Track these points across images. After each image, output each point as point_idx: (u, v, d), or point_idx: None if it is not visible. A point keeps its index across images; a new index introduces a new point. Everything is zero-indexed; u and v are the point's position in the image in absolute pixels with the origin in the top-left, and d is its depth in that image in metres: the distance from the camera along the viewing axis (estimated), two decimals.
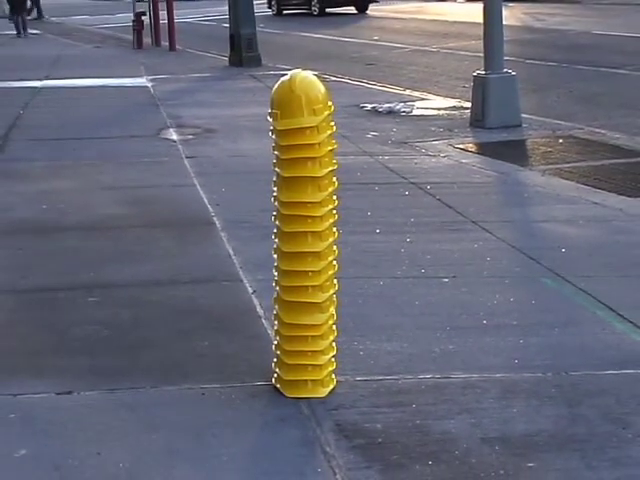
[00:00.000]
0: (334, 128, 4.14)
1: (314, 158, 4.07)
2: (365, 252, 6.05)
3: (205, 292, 5.75)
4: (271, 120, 4.09)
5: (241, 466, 3.78)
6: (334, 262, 4.25)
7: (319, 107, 4.03)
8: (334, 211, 4.20)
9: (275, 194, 4.19)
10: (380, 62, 20.57)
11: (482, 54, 11.71)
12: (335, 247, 4.25)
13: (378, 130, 11.46)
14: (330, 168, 4.14)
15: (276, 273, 4.29)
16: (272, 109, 4.07)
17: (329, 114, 4.09)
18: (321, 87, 4.10)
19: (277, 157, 4.14)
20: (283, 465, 3.77)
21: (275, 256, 4.27)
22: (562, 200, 7.94)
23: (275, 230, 4.24)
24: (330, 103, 4.11)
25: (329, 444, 3.87)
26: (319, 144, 4.07)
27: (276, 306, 4.33)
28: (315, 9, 38.13)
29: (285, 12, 39.76)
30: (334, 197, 4.19)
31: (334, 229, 4.23)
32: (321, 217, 4.13)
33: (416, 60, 20.74)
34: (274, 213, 4.22)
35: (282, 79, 4.07)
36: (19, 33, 31.71)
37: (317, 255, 4.16)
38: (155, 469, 3.75)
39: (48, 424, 4.09)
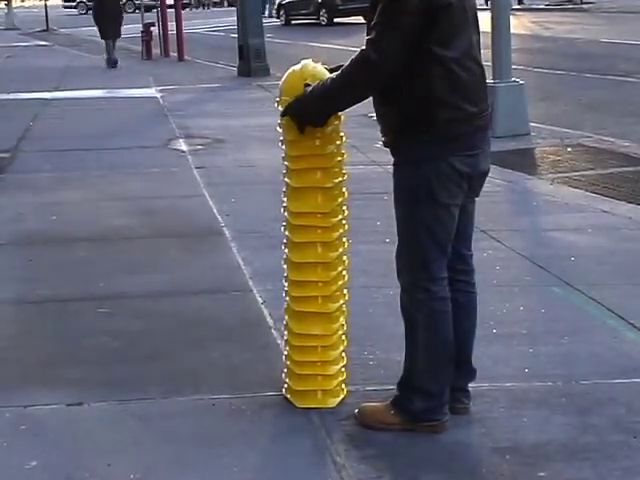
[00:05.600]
0: (344, 138, 4.15)
1: (324, 168, 4.08)
2: (374, 261, 6.05)
3: (215, 302, 5.76)
4: (280, 108, 4.06)
5: (252, 476, 3.78)
6: (344, 272, 4.25)
7: None
8: (344, 221, 4.20)
9: (285, 204, 4.20)
10: None
11: (490, 63, 11.71)
12: (345, 257, 4.26)
13: None
14: (340, 178, 4.14)
15: (286, 283, 4.29)
16: (281, 96, 4.06)
17: (339, 124, 4.10)
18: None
19: (287, 167, 4.15)
20: (294, 475, 3.77)
21: (285, 266, 4.28)
22: (571, 208, 7.93)
23: (285, 240, 4.24)
24: None
25: (339, 454, 3.87)
26: (329, 154, 4.07)
27: (286, 316, 4.33)
28: (323, 19, 38.19)
29: (293, 22, 39.84)
30: (344, 207, 4.20)
31: (344, 239, 4.23)
32: (331, 227, 4.13)
33: None
34: (284, 223, 4.22)
35: (293, 68, 4.07)
36: (113, 63, 23.79)
37: (327, 265, 4.16)
38: None
39: (59, 435, 4.11)
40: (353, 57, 3.75)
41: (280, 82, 4.13)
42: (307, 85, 3.93)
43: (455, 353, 4.02)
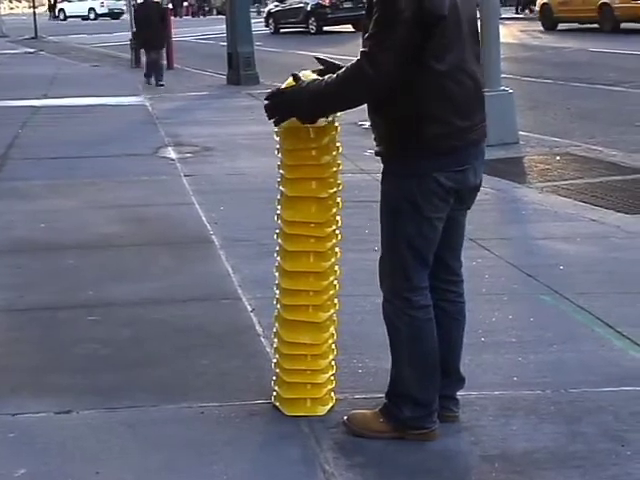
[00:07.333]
0: (340, 149, 4.14)
1: (319, 178, 4.07)
2: (363, 270, 6.04)
3: (204, 310, 5.75)
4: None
5: None
6: (335, 282, 4.25)
7: None
8: (337, 231, 4.21)
9: (279, 212, 4.19)
10: None
11: None
12: (337, 267, 4.26)
13: None
14: (335, 189, 4.14)
15: (277, 291, 4.29)
16: None
17: (335, 134, 4.09)
18: None
19: (282, 176, 4.14)
20: None
21: (277, 274, 4.27)
22: (560, 217, 7.95)
23: (278, 248, 4.24)
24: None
25: (328, 462, 3.87)
26: (325, 164, 4.07)
27: (276, 324, 4.33)
28: (312, 27, 38.21)
29: (282, 30, 39.87)
30: (338, 217, 4.20)
31: (337, 249, 4.23)
32: (325, 237, 4.13)
33: None
34: (277, 231, 4.22)
35: (292, 75, 4.05)
36: (152, 78, 20.59)
37: (319, 275, 4.16)
38: None
39: (47, 443, 4.09)
40: (350, 66, 3.68)
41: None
42: (295, 75, 3.89)
43: (443, 362, 4.03)
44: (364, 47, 3.65)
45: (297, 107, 3.86)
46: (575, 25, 30.51)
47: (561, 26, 31.19)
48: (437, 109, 3.68)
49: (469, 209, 4.09)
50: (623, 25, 28.64)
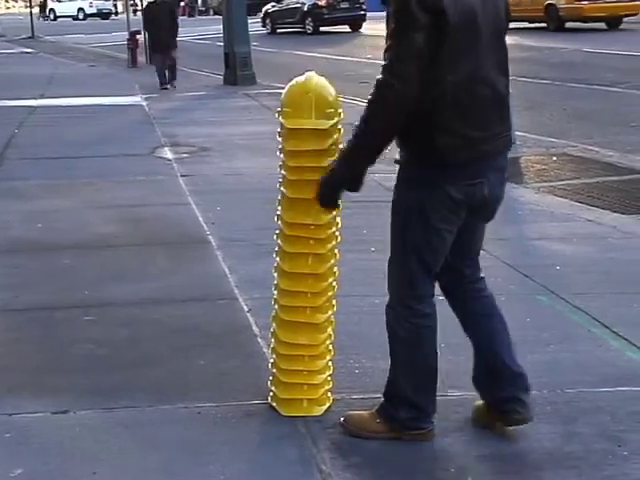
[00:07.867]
0: None
1: None
2: (361, 270, 6.06)
3: (201, 310, 5.76)
4: (280, 119, 4.04)
5: None
6: (334, 283, 4.25)
7: (331, 111, 4.00)
8: (337, 233, 4.21)
9: (279, 213, 4.19)
10: (373, 80, 20.52)
11: None
12: (335, 268, 4.26)
13: None
14: None
15: (275, 291, 4.29)
16: (283, 108, 4.03)
17: (338, 137, 4.07)
18: (333, 91, 4.06)
19: (284, 177, 4.12)
20: None
21: (275, 274, 4.27)
22: (556, 217, 7.96)
23: (277, 249, 4.24)
24: (340, 110, 4.08)
25: (325, 462, 3.87)
26: (328, 167, 4.05)
27: (274, 324, 4.33)
28: (309, 27, 38.24)
29: (279, 30, 39.87)
30: (337, 220, 4.20)
31: (336, 251, 4.23)
32: (324, 239, 4.13)
33: None
34: (277, 232, 4.22)
35: (296, 79, 4.03)
36: (164, 83, 19.71)
37: (318, 277, 4.16)
38: None
39: (44, 443, 4.09)
40: (373, 89, 3.60)
41: (282, 93, 4.09)
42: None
43: (486, 363, 4.04)
44: (384, 60, 3.57)
45: (334, 178, 3.82)
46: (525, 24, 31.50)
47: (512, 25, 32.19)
48: (449, 119, 3.59)
49: (487, 222, 4.03)
50: (568, 24, 30.55)
